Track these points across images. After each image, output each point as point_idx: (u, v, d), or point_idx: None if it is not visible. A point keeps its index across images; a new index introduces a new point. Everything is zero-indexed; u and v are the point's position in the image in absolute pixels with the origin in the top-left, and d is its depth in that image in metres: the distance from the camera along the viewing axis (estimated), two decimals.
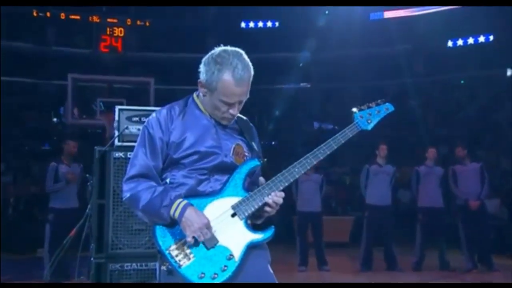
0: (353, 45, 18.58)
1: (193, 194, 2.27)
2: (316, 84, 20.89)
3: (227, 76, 2.23)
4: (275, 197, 2.27)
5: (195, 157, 2.29)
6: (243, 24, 20.01)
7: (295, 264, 8.70)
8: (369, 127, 2.48)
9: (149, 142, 2.32)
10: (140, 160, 2.31)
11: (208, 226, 2.19)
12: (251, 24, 20.18)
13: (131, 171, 2.31)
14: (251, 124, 2.52)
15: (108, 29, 18.19)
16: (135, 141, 4.29)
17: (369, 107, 2.49)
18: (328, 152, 2.37)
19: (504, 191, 12.20)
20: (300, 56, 19.24)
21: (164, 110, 2.37)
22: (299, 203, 8.72)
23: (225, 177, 2.31)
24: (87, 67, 17.03)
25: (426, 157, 8.79)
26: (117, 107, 4.40)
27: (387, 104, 2.53)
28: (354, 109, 2.47)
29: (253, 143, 2.43)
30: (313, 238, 8.75)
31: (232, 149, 2.35)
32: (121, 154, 4.23)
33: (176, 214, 2.19)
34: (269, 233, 2.29)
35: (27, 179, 13.10)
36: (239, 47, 2.36)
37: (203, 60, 2.32)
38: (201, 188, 2.29)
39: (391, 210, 8.65)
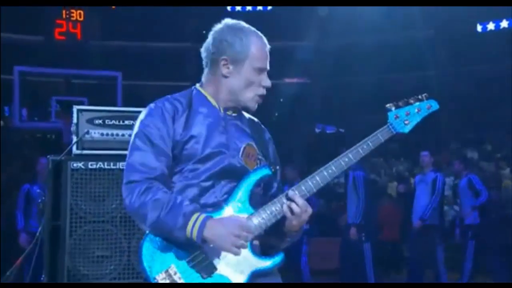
0: (361, 31, 18.66)
1: None
2: (317, 79, 20.97)
3: (255, 38, 2.43)
4: (294, 205, 2.26)
5: (199, 157, 2.30)
6: (229, 8, 20.08)
7: None
8: (406, 130, 2.41)
9: (148, 138, 2.30)
10: (140, 159, 2.29)
11: (245, 228, 2.19)
12: (239, 8, 20.27)
13: (132, 174, 2.28)
14: (263, 127, 2.58)
15: (64, 12, 17.94)
16: (97, 149, 4.36)
17: (407, 104, 2.42)
18: (355, 161, 2.35)
19: None
20: (297, 46, 19.29)
21: (167, 103, 2.37)
22: None
23: (231, 185, 2.31)
24: (38, 58, 16.98)
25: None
26: (75, 107, 4.37)
27: (430, 100, 2.44)
28: (389, 105, 2.41)
29: (265, 148, 2.47)
30: None
31: (242, 150, 2.37)
32: (80, 165, 4.18)
33: (194, 235, 2.17)
34: (278, 259, 2.29)
35: None
36: None
37: (214, 37, 2.40)
38: (203, 199, 2.29)
39: None
